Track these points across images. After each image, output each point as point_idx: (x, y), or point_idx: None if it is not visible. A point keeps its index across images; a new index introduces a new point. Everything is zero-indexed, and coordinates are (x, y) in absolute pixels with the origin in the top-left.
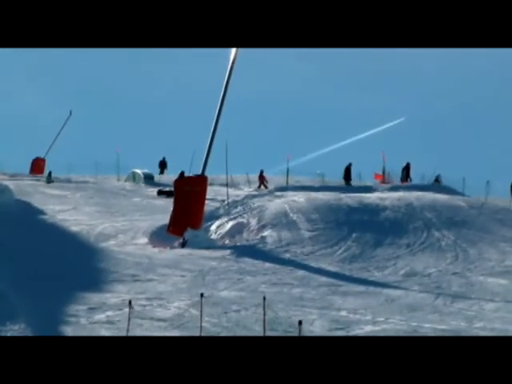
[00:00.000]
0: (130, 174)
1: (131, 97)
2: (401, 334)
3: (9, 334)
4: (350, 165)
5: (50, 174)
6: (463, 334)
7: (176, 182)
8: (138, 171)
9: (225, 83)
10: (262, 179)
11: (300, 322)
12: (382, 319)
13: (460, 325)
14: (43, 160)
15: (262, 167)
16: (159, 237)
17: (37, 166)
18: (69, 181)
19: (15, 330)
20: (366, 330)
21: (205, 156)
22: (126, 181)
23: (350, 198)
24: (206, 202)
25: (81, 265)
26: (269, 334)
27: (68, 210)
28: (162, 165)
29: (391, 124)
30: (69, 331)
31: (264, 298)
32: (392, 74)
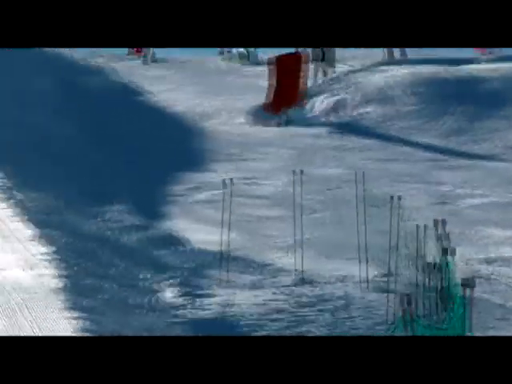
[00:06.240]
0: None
1: None
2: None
3: (107, 216)
4: None
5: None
6: None
7: (271, 59)
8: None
9: None
10: None
11: (392, 197)
12: (482, 192)
13: None
14: None
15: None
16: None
17: None
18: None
19: (114, 210)
20: (467, 203)
21: None
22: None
23: (455, 71)
24: (306, 78)
25: (181, 145)
26: (368, 209)
27: (169, 91)
28: None
29: None
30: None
31: (363, 175)
32: None
